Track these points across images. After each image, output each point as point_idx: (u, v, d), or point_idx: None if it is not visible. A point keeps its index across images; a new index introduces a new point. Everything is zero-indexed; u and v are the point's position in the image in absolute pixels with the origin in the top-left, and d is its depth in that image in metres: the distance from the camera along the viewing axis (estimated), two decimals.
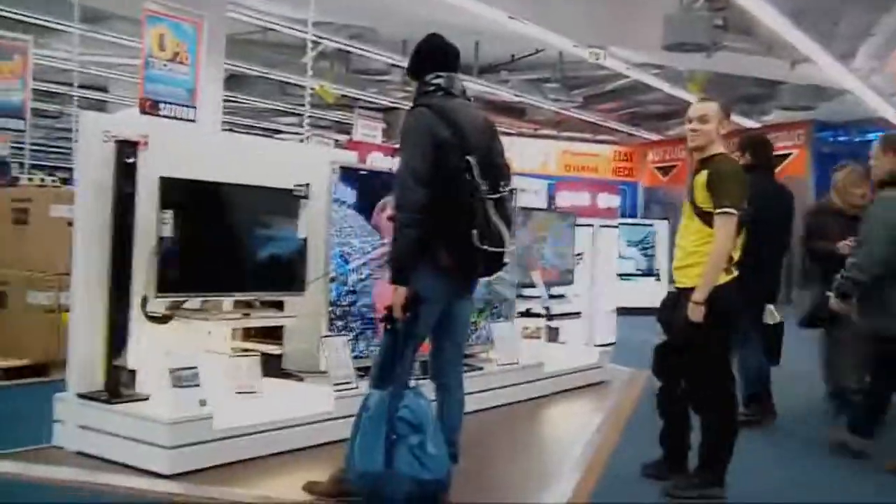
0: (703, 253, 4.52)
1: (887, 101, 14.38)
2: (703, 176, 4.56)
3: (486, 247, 3.96)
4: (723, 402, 4.69)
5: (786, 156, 19.14)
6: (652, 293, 14.54)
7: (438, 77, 4.20)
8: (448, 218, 3.95)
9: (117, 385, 4.84)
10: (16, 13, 10.64)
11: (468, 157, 3.98)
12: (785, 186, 6.82)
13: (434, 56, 4.31)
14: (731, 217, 4.45)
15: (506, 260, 4.15)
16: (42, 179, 8.45)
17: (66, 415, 4.93)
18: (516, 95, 16.64)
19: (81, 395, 4.89)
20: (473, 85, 14.54)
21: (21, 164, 9.84)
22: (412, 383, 4.03)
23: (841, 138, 20.06)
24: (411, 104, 4.24)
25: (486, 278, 4.67)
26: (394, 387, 3.91)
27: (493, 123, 4.39)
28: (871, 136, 19.27)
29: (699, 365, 4.63)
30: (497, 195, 4.06)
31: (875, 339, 5.65)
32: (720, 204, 4.46)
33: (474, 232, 3.92)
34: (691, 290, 4.52)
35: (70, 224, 5.65)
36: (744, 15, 10.16)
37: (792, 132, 19.09)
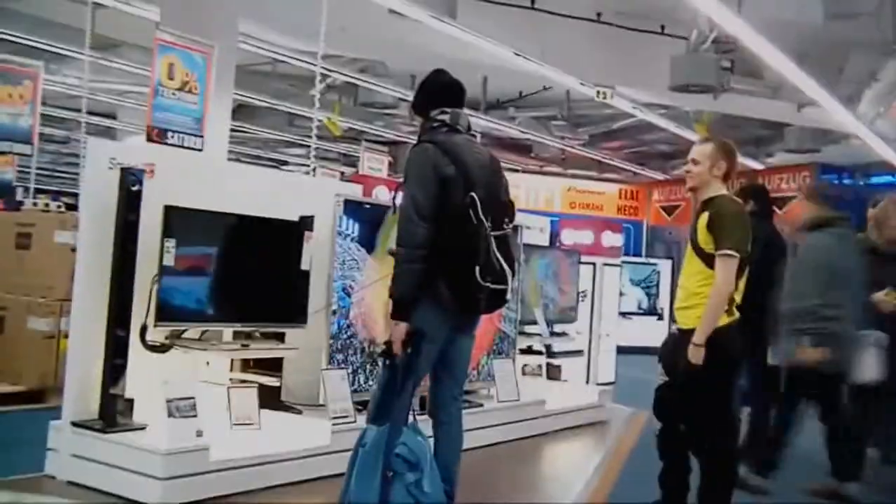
0: (704, 294, 4.50)
1: (891, 146, 14.39)
2: (704, 217, 4.57)
3: (488, 284, 3.94)
4: (722, 445, 4.65)
5: (791, 198, 19.15)
6: (654, 332, 14.52)
7: (444, 113, 4.21)
8: (450, 254, 3.94)
9: (113, 414, 4.80)
10: (28, 39, 10.69)
11: (472, 194, 3.97)
12: (780, 232, 6.83)
13: (439, 92, 4.32)
14: (732, 259, 4.44)
15: (508, 297, 4.14)
16: (47, 204, 8.46)
17: (60, 443, 4.88)
18: (523, 132, 16.67)
19: (76, 424, 4.84)
20: (480, 120, 14.57)
21: (26, 189, 9.85)
22: (410, 419, 3.99)
23: (845, 181, 20.08)
24: (416, 139, 4.23)
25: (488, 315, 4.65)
26: (391, 423, 3.87)
27: (497, 160, 4.38)
28: (874, 179, 19.33)
29: (699, 408, 4.59)
30: (500, 232, 4.05)
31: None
32: (721, 246, 4.46)
33: (476, 268, 3.91)
34: (692, 331, 4.50)
35: (73, 250, 5.64)
36: (751, 57, 10.19)
37: (797, 174, 19.13)
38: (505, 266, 4.02)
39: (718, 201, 4.60)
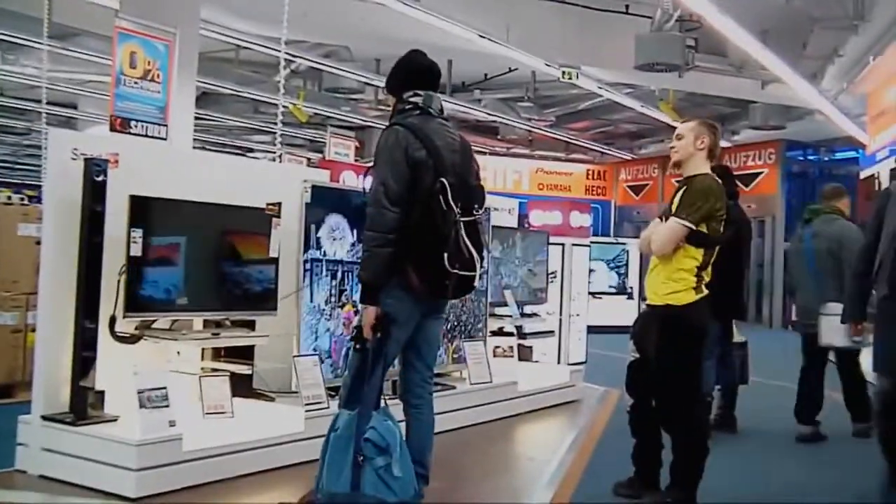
0: (674, 269, 4.56)
1: (854, 121, 14.57)
2: (681, 193, 4.63)
3: (456, 270, 3.95)
4: (693, 420, 4.71)
5: (757, 174, 19.35)
6: (624, 311, 14.64)
7: (416, 95, 4.20)
8: (419, 239, 3.94)
9: (84, 406, 4.78)
10: None
11: (442, 179, 3.96)
12: (744, 212, 6.97)
13: (413, 73, 4.30)
14: (679, 228, 4.52)
15: (476, 283, 4.15)
16: (9, 197, 8.39)
17: (30, 437, 4.85)
18: (489, 114, 16.70)
19: (46, 417, 4.81)
20: (446, 104, 14.58)
21: None
22: (382, 404, 4.00)
23: (811, 157, 20.32)
24: (388, 122, 4.22)
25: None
26: (361, 407, 3.89)
27: (469, 144, 4.38)
28: (838, 154, 19.56)
29: (669, 383, 4.65)
30: (470, 218, 4.05)
31: None
32: (678, 213, 4.54)
33: (445, 255, 3.91)
34: (664, 307, 4.57)
35: (38, 243, 5.61)
36: (715, 35, 10.26)
37: (763, 151, 19.32)
38: (474, 252, 4.02)
39: (696, 178, 4.66)
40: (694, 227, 4.52)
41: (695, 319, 4.59)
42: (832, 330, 6.16)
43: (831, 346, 6.59)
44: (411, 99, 4.19)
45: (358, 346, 4.04)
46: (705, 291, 4.60)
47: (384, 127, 4.21)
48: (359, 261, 4.42)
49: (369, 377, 3.93)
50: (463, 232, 3.99)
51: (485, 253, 4.21)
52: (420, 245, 3.94)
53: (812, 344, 6.68)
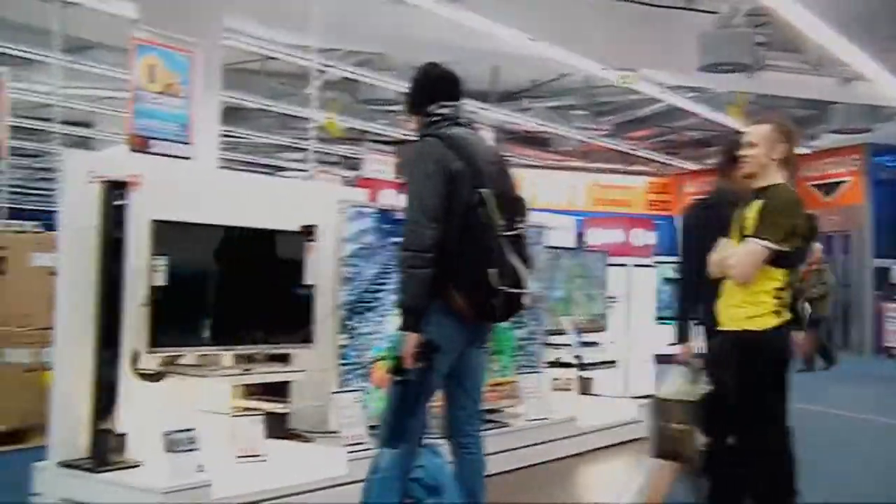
0: (752, 291, 4.49)
1: None
2: (756, 206, 4.54)
3: (504, 287, 3.94)
4: (778, 462, 4.63)
5: (839, 183, 19.10)
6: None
7: (443, 107, 4.21)
8: (462, 257, 3.93)
9: (104, 451, 4.80)
10: None
11: (482, 191, 3.97)
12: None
13: (436, 85, 4.32)
14: (758, 250, 4.43)
15: (524, 302, 4.13)
16: (21, 225, 8.48)
17: (47, 486, 4.88)
18: (539, 124, 16.69)
19: (64, 464, 4.85)
20: (492, 114, 14.59)
21: None
22: (427, 440, 3.98)
23: None
24: (419, 135, 4.23)
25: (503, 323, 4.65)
26: (406, 445, 3.87)
27: (503, 155, 4.39)
28: None
29: (749, 419, 4.58)
30: (514, 232, 4.05)
31: None
32: (757, 232, 4.45)
33: (491, 272, 3.90)
34: (739, 333, 4.50)
35: (52, 273, 5.65)
36: (788, 30, 10.17)
37: (845, 157, 19.06)
38: (521, 268, 4.02)
39: (773, 190, 4.58)
40: (777, 248, 4.45)
41: (777, 346, 4.51)
42: None
43: None
44: (438, 111, 4.20)
45: (399, 378, 4.02)
46: (787, 315, 4.53)
47: (414, 140, 4.23)
48: None
49: (412, 412, 3.91)
50: (507, 247, 3.98)
51: (531, 269, 4.19)
52: (462, 263, 3.94)
53: None
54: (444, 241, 3.91)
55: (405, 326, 3.96)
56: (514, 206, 4.14)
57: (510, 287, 3.96)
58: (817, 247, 15.60)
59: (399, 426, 3.96)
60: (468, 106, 4.39)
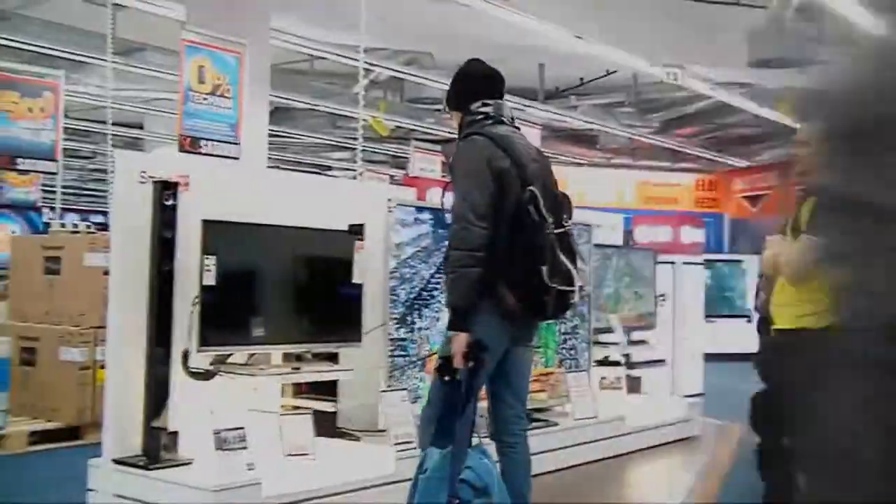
0: (809, 289, 4.43)
1: None
2: (811, 203, 4.47)
3: (555, 285, 3.93)
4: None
5: None
6: (743, 336, 14.35)
7: (486, 105, 4.22)
8: (512, 255, 3.94)
9: (157, 449, 4.83)
10: (44, 47, 10.88)
11: (531, 188, 3.98)
12: None
13: (479, 83, 4.34)
14: (813, 247, 4.36)
15: (574, 300, 4.12)
16: (75, 225, 8.57)
17: (101, 483, 4.92)
18: (586, 122, 16.61)
19: (117, 461, 4.88)
20: (539, 112, 14.54)
21: (52, 209, 10.01)
22: (475, 440, 3.96)
23: None
24: (460, 135, 4.24)
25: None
26: (455, 445, 3.85)
27: (544, 154, 4.40)
28: None
29: (805, 419, 4.51)
30: (562, 229, 4.06)
31: None
32: (811, 231, 4.39)
33: (543, 269, 3.90)
34: (792, 331, 4.44)
35: (105, 273, 5.71)
36: (841, 23, 10.03)
37: None
38: (570, 265, 4.02)
39: None
40: None
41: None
42: None
43: None
44: (481, 109, 4.21)
45: (447, 378, 4.01)
46: None
47: (459, 139, 4.24)
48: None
49: (461, 411, 3.90)
50: (556, 244, 3.99)
51: (581, 266, 4.19)
52: (513, 261, 3.94)
53: None
54: (493, 239, 3.91)
55: (454, 326, 3.96)
56: (560, 204, 4.16)
57: (560, 284, 3.96)
58: None
59: (448, 426, 3.95)
60: (511, 103, 4.37)
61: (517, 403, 4.31)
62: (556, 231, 4.01)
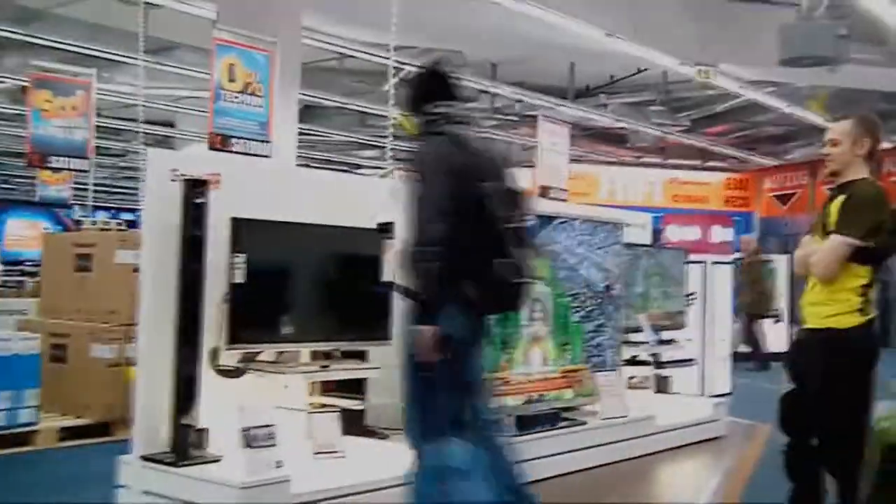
0: (836, 289, 4.40)
1: None
2: (839, 201, 4.45)
3: (512, 278, 4.09)
4: (860, 462, 4.52)
5: None
6: (772, 336, 14.27)
7: (442, 105, 4.34)
8: (472, 250, 4.04)
9: (186, 446, 4.85)
10: (77, 45, 10.95)
11: (486, 184, 4.12)
12: None
13: (435, 85, 4.45)
14: (840, 245, 4.33)
15: (532, 293, 4.37)
16: (106, 222, 8.62)
17: (130, 478, 4.95)
18: (616, 120, 16.55)
19: (146, 457, 4.91)
20: (569, 110, 14.50)
21: (84, 206, 10.07)
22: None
23: None
24: (420, 134, 4.36)
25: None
26: (436, 437, 3.99)
27: (504, 149, 4.50)
28: None
29: (833, 419, 4.48)
30: (518, 224, 4.19)
31: None
32: (839, 227, 4.36)
33: (500, 263, 4.04)
34: (824, 331, 4.42)
35: (136, 270, 5.73)
36: (872, 22, 9.95)
37: None
38: (526, 259, 4.17)
39: (857, 185, 4.48)
40: (861, 244, 4.34)
41: (862, 344, 4.41)
42: None
43: None
44: (438, 110, 4.32)
45: (421, 373, 4.08)
46: (872, 313, 4.43)
47: (419, 138, 4.37)
48: None
49: (436, 403, 4.04)
50: (513, 238, 4.12)
51: (534, 259, 4.35)
52: (472, 255, 4.04)
53: None
54: (454, 235, 3.99)
55: (419, 320, 4.05)
56: (517, 199, 4.29)
57: (517, 278, 4.12)
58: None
59: (433, 420, 4.05)
60: (468, 105, 4.51)
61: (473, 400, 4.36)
62: (512, 226, 4.13)
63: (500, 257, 4.04)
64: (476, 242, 4.04)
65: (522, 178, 4.49)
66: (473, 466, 3.89)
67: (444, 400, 4.03)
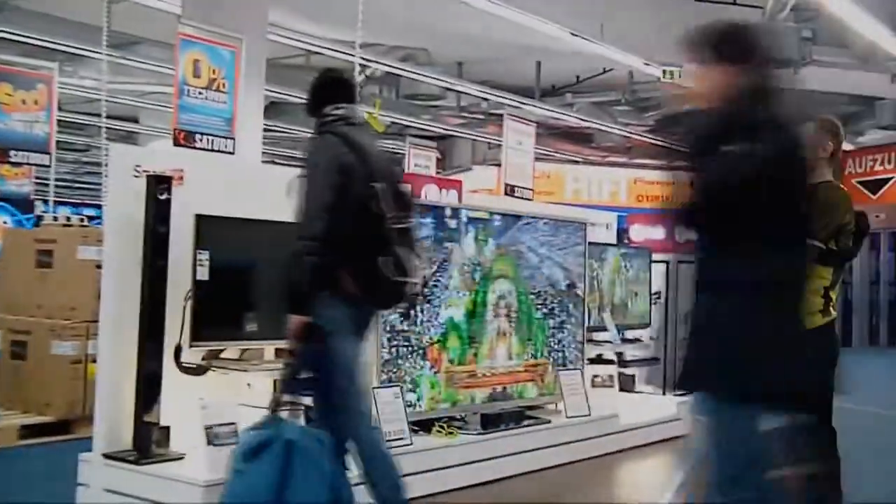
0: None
1: None
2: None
3: (393, 276, 4.17)
4: (823, 462, 4.57)
5: (886, 180, 18.84)
6: None
7: (338, 108, 4.45)
8: (354, 246, 4.14)
9: (148, 443, 4.84)
10: (39, 38, 10.83)
11: (374, 184, 4.21)
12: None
13: (332, 88, 4.60)
14: (809, 248, 4.37)
15: (412, 291, 4.36)
16: (68, 218, 8.55)
17: (92, 477, 4.93)
18: (582, 120, 16.60)
19: (108, 455, 4.88)
20: (535, 109, 14.54)
21: (45, 201, 9.98)
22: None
23: None
24: (312, 133, 4.51)
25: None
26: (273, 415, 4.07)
27: (392, 152, 4.62)
28: None
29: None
30: (403, 224, 4.29)
31: None
32: None
33: (381, 260, 4.14)
34: None
35: (98, 267, 5.69)
36: (836, 25, 10.04)
37: (892, 154, 18.78)
38: (410, 258, 4.26)
39: (821, 188, 4.51)
40: (824, 247, 4.38)
41: (822, 346, 4.45)
42: None
43: None
44: (334, 112, 4.45)
45: (289, 361, 4.20)
46: (833, 314, 4.48)
47: (310, 137, 4.54)
48: None
49: (290, 385, 4.16)
50: (397, 238, 4.22)
51: (418, 259, 4.44)
52: (355, 251, 4.15)
53: None
54: (338, 230, 4.08)
55: (290, 309, 4.11)
56: (404, 200, 4.41)
57: (399, 276, 4.20)
58: None
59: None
60: (362, 107, 4.77)
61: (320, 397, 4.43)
62: (397, 226, 4.23)
63: (383, 255, 4.14)
64: (360, 239, 4.15)
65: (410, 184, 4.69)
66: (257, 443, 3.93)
67: (293, 383, 4.16)
